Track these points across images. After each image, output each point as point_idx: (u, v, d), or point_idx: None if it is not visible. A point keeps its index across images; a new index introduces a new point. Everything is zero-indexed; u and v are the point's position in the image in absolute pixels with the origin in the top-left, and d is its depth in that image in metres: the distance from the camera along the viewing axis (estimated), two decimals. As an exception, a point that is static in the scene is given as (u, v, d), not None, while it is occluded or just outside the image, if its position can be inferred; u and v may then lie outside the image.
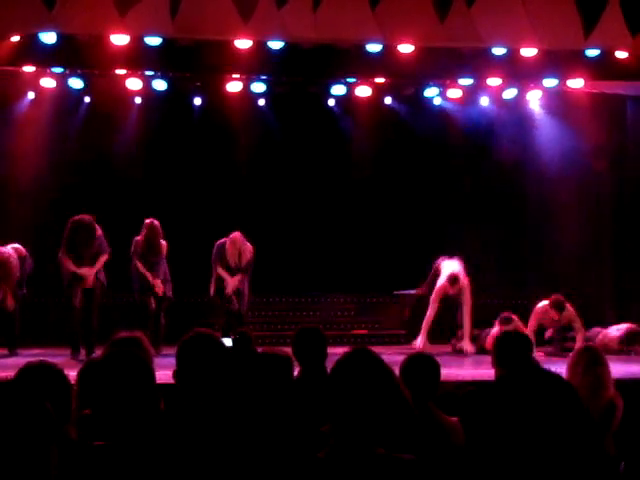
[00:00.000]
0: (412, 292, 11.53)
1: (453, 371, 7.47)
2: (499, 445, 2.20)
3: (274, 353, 4.05)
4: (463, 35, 8.93)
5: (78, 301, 8.93)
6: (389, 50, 9.43)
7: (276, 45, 9.36)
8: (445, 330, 10.43)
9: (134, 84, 11.02)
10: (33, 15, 8.47)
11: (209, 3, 8.54)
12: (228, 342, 3.71)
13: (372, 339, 10.86)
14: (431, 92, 11.93)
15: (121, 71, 10.43)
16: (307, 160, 12.01)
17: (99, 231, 8.96)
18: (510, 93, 11.75)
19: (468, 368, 8.71)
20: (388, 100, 12.12)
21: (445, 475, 3.40)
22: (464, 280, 9.91)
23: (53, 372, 3.23)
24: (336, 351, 3.40)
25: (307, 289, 11.65)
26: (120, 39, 9.00)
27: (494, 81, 10.92)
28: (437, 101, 12.22)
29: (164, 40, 9.19)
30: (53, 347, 9.14)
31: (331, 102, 12.11)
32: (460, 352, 9.84)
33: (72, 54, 9.42)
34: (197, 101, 11.91)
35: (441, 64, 9.83)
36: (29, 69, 10.19)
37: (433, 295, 10.02)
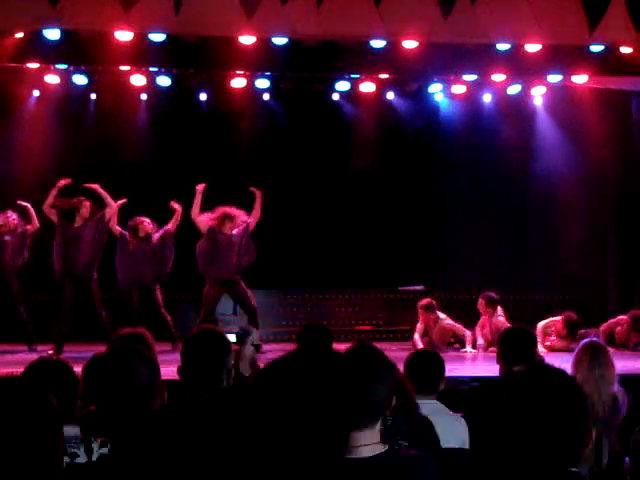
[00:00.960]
0: (417, 288, 11.53)
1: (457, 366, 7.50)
2: (503, 440, 2.21)
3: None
4: (467, 31, 8.92)
5: (69, 295, 9.02)
6: (393, 46, 9.42)
7: (280, 41, 9.34)
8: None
9: (138, 80, 11.02)
10: (37, 11, 8.49)
11: (213, -1, 8.57)
12: (232, 338, 3.71)
13: (376, 335, 10.87)
14: (435, 88, 11.93)
15: (125, 67, 10.43)
16: (311, 155, 11.99)
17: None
18: (514, 89, 11.74)
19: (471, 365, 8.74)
20: (391, 96, 12.11)
21: (447, 471, 3.40)
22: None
23: (61, 367, 3.27)
24: (340, 347, 3.40)
25: (312, 285, 11.66)
26: (124, 35, 9.01)
27: (498, 77, 10.90)
28: (441, 97, 12.21)
29: (168, 36, 9.21)
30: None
31: (335, 97, 12.10)
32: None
33: (76, 50, 9.41)
34: (202, 97, 11.92)
35: (445, 60, 9.80)
36: (33, 65, 10.18)
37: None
